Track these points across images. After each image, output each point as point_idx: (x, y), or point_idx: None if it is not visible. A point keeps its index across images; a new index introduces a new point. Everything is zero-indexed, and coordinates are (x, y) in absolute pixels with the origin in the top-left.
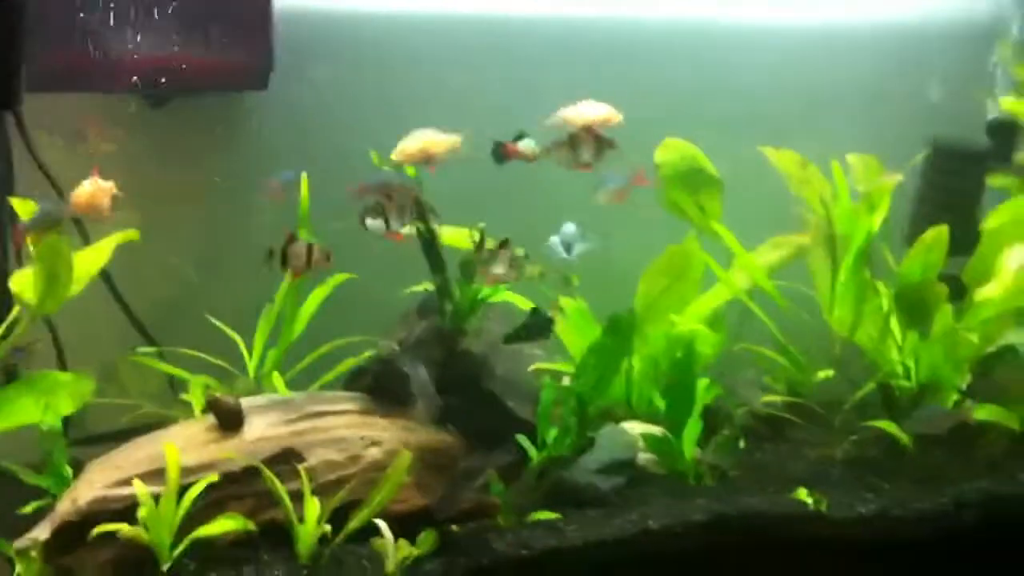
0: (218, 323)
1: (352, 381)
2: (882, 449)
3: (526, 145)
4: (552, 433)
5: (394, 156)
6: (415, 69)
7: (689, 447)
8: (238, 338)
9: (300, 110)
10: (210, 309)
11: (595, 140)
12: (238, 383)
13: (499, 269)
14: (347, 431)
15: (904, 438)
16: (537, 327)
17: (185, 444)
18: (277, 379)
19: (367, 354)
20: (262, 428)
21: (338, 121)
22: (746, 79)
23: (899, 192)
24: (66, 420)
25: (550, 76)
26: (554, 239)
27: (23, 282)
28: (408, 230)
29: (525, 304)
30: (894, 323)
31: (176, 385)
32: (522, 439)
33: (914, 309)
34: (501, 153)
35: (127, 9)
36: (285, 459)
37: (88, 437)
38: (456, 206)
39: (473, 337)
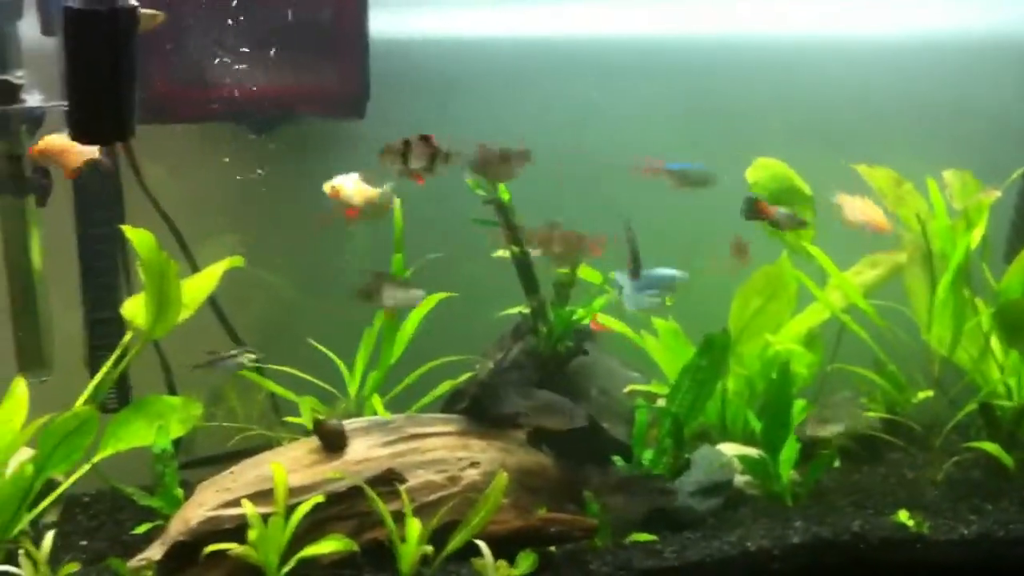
0: (319, 346)
1: (450, 403)
2: (984, 471)
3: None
4: (648, 455)
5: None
6: (506, 93)
7: (786, 469)
8: (339, 361)
9: (395, 135)
10: (312, 332)
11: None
12: (339, 405)
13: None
14: (446, 452)
15: (1007, 459)
16: None
17: (291, 465)
18: (377, 401)
19: (465, 376)
20: (364, 450)
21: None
22: (834, 95)
23: (998, 208)
24: (176, 442)
25: (617, 96)
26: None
27: (134, 308)
28: (503, 253)
29: (617, 326)
30: (994, 342)
31: (280, 408)
32: (619, 460)
33: (1015, 327)
34: (755, 210)
35: (229, 40)
36: (387, 480)
37: (197, 459)
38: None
39: (567, 359)
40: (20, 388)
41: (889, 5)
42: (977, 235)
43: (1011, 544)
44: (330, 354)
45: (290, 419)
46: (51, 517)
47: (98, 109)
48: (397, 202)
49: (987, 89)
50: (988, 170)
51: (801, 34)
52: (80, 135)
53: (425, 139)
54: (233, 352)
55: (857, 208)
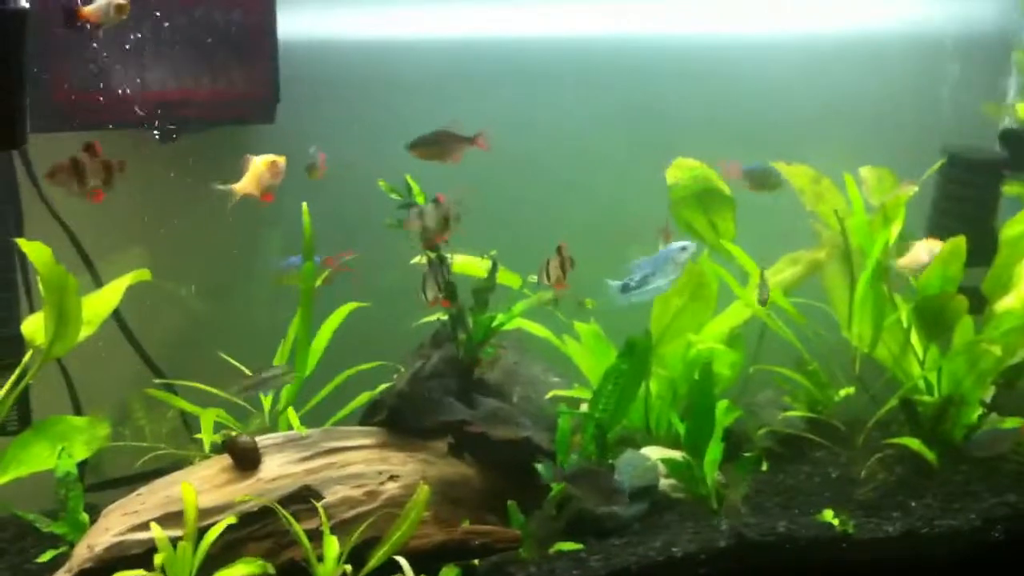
0: (230, 359)
1: (368, 415)
2: (907, 467)
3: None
4: (572, 461)
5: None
6: (418, 95)
7: (711, 471)
8: (251, 374)
9: (306, 140)
10: (223, 344)
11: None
12: (253, 420)
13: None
14: (364, 466)
15: (930, 455)
16: None
17: (202, 485)
18: (292, 415)
19: (382, 387)
20: (278, 466)
21: (343, 150)
22: (751, 94)
23: (914, 204)
24: (82, 464)
25: (550, 97)
26: (613, 283)
27: (34, 326)
28: (419, 259)
29: (538, 330)
30: (914, 337)
31: (191, 425)
32: (541, 467)
33: (934, 322)
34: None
35: (132, 45)
36: (302, 498)
37: (104, 481)
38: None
39: (488, 366)
40: None
41: (801, 4)
42: (895, 231)
43: (935, 540)
44: (241, 367)
45: (201, 436)
46: None
47: None
48: (304, 207)
49: (902, 86)
50: (906, 167)
51: (720, 34)
52: None
53: (90, 148)
54: (276, 371)
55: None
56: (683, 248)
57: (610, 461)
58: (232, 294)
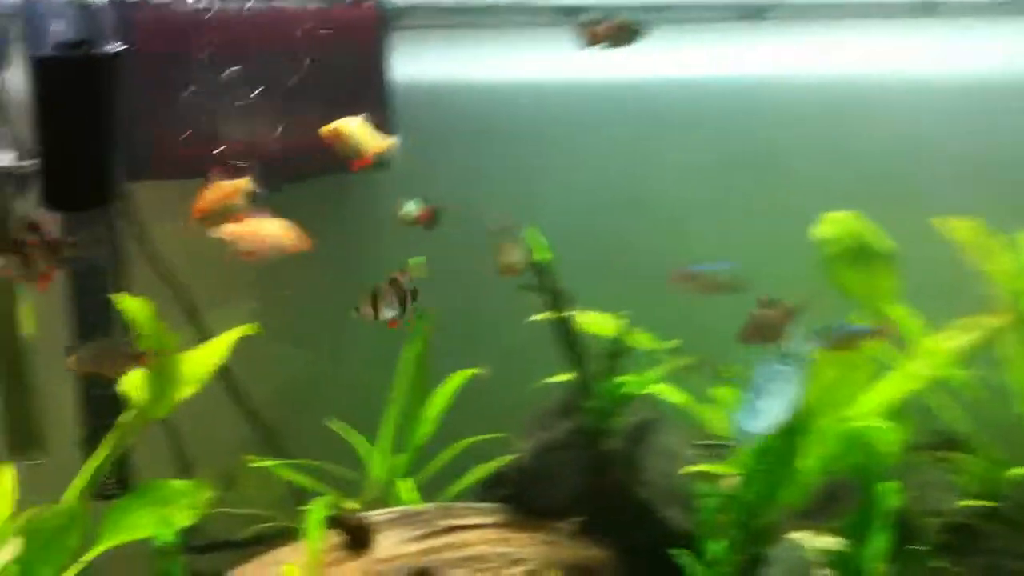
0: (340, 426)
1: (488, 490)
2: None
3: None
4: (716, 548)
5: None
6: (536, 139)
7: (875, 562)
8: (362, 441)
9: (422, 187)
10: (332, 407)
11: None
12: (364, 491)
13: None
14: (486, 547)
15: None
16: None
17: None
18: (405, 488)
19: (503, 459)
20: (392, 545)
21: (461, 196)
22: (885, 140)
23: None
24: (183, 531)
25: (668, 140)
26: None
27: (134, 383)
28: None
29: (674, 395)
30: None
31: (300, 494)
32: (682, 555)
33: None
34: None
35: (239, 91)
36: None
37: (207, 544)
38: None
39: (619, 437)
40: (6, 477)
41: (952, 44)
42: None
43: None
44: (350, 434)
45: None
46: None
47: (73, 171)
48: (422, 260)
49: None
50: None
51: (851, 73)
52: (52, 201)
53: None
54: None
55: None
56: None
57: (760, 550)
58: (345, 352)
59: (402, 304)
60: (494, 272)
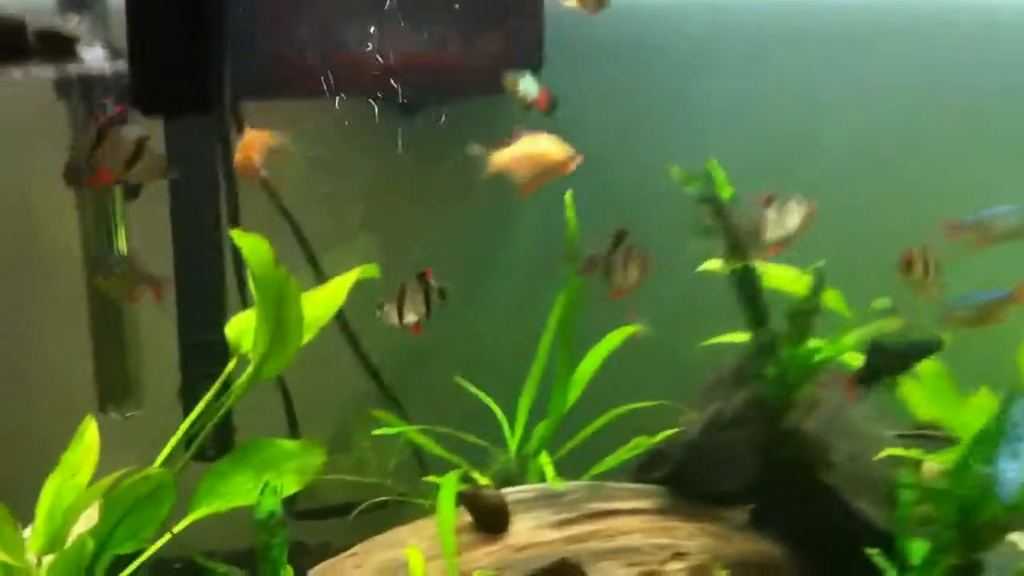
0: (469, 386)
1: (645, 468)
2: None
3: None
4: (919, 549)
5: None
6: (713, 64)
7: None
8: (496, 406)
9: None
10: (462, 364)
11: None
12: (496, 463)
13: None
14: (641, 537)
15: None
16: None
17: (432, 550)
18: (546, 461)
19: (664, 433)
20: (530, 530)
21: (612, 126)
22: None
23: None
24: (289, 500)
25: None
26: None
27: (241, 329)
28: (713, 266)
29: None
30: None
31: (425, 463)
32: (875, 555)
33: None
34: None
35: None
36: (561, 574)
37: (314, 509)
38: None
39: (805, 412)
40: (90, 432)
41: None
42: None
43: None
44: (484, 397)
45: (435, 479)
46: None
47: (169, 71)
48: (568, 197)
49: None
50: None
51: None
52: (141, 102)
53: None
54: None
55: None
56: None
57: (977, 557)
58: (478, 299)
59: (428, 305)
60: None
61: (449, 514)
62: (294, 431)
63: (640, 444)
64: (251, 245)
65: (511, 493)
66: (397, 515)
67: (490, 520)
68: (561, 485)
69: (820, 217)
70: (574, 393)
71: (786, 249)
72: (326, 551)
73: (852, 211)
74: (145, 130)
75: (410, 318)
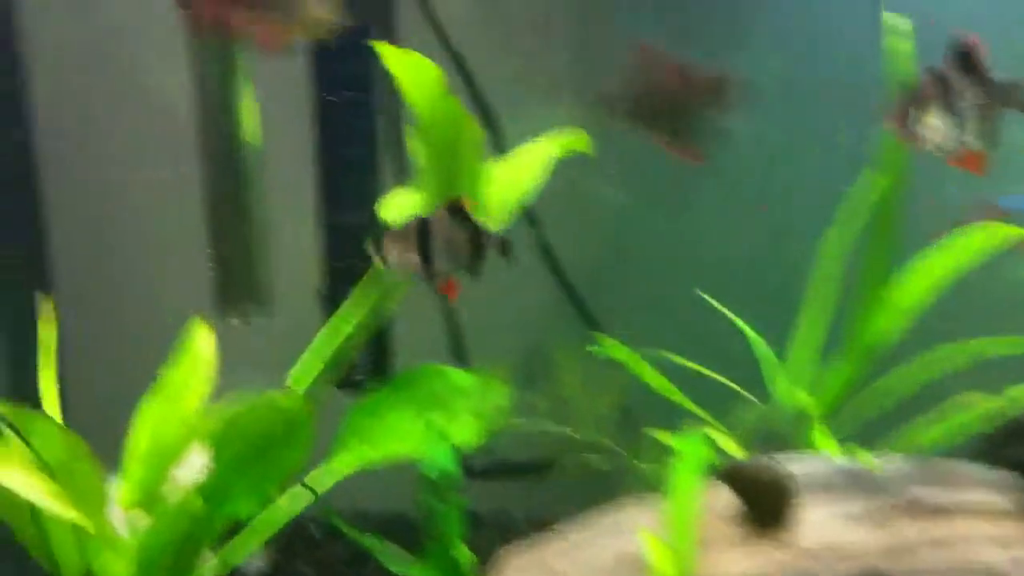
0: (715, 303)
1: (995, 446)
2: None
3: None
4: None
5: None
6: None
7: None
8: (753, 334)
9: None
10: (698, 275)
11: None
12: (750, 413)
13: None
14: (998, 552)
15: None
16: None
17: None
18: (837, 427)
19: None
20: (826, 526)
21: None
22: None
23: None
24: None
25: None
26: None
27: (398, 209)
28: None
29: None
30: None
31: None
32: None
33: None
34: None
35: None
36: None
37: (494, 464)
38: None
39: None
40: (201, 341)
41: None
42: None
43: None
44: (734, 318)
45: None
46: (258, 563)
47: None
48: None
49: None
50: None
51: None
52: None
53: None
54: None
55: None
56: None
57: None
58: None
59: (476, 252)
60: None
61: (692, 486)
62: (461, 361)
63: (978, 410)
64: (411, 67)
65: (796, 468)
66: (602, 482)
67: (767, 506)
68: (871, 461)
69: None
70: (889, 326)
71: None
72: (507, 524)
73: None
74: None
75: (438, 267)
